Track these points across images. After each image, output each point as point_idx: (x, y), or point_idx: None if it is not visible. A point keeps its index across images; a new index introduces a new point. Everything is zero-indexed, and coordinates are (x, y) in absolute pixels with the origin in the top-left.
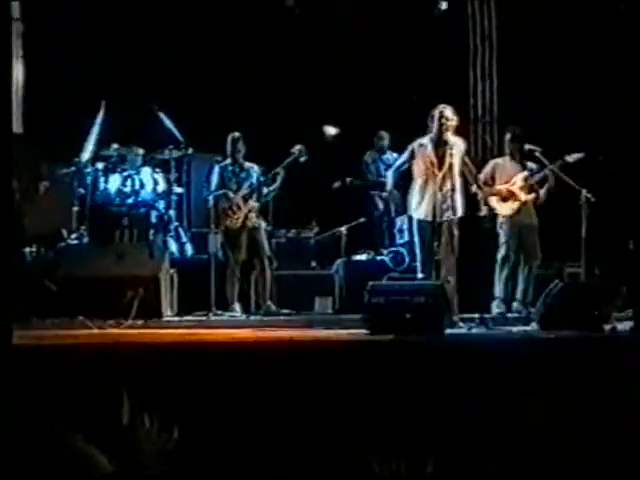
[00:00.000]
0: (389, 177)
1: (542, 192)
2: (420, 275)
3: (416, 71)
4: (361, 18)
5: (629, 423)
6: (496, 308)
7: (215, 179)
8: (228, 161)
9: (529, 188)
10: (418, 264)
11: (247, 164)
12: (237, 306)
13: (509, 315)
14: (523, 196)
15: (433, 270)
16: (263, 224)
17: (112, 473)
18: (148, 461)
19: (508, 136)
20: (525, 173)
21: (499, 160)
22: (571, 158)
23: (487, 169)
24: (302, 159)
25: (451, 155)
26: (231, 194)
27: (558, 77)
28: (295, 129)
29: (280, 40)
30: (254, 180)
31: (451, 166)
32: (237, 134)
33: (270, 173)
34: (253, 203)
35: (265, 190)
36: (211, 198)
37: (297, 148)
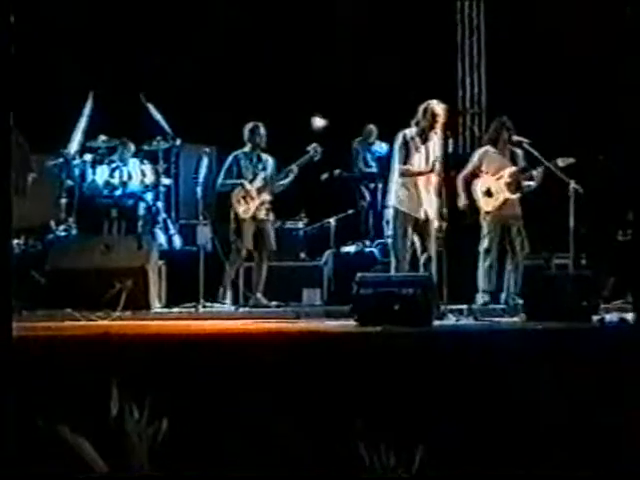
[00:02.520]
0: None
1: (525, 186)
2: (393, 270)
3: (404, 64)
4: (355, 14)
5: (624, 417)
6: (480, 299)
7: (229, 166)
8: (246, 149)
9: (516, 185)
10: (392, 259)
11: (264, 155)
12: (229, 295)
13: (497, 306)
14: (508, 193)
15: (407, 264)
16: (272, 218)
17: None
18: (137, 452)
19: (496, 126)
20: (514, 169)
21: (486, 149)
22: (562, 162)
23: (475, 159)
24: (317, 158)
25: (439, 150)
26: (247, 184)
27: (545, 68)
28: (287, 123)
29: (274, 34)
30: (269, 172)
31: (438, 161)
32: (257, 123)
33: (283, 170)
34: (266, 196)
35: (276, 185)
36: (219, 185)
37: (312, 147)
